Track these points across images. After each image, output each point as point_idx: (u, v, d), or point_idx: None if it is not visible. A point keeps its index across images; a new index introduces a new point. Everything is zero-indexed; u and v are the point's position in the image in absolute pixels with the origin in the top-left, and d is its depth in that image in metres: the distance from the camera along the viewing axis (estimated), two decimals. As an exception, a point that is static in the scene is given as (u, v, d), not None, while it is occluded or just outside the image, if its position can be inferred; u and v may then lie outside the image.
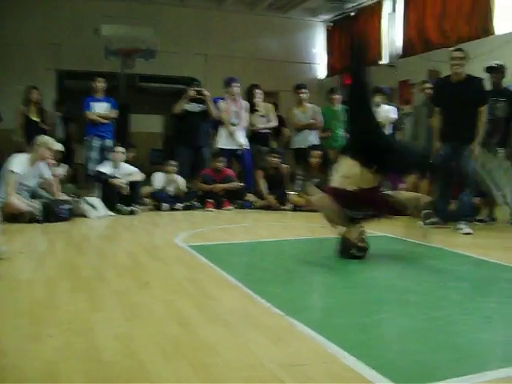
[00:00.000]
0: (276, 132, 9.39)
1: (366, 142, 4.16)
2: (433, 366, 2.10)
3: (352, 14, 14.51)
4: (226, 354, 2.21)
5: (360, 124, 4.29)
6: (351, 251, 4.09)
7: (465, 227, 5.75)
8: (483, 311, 2.88)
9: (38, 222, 6.03)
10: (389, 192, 4.47)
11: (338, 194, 4.04)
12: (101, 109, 8.47)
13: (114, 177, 7.37)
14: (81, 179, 10.02)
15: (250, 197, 8.15)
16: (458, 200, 6.05)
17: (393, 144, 4.97)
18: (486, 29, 10.77)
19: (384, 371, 2.02)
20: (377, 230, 5.43)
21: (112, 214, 6.93)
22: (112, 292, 3.14)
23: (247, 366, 2.10)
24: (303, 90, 8.82)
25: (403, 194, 4.55)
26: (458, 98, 5.79)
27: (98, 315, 2.70)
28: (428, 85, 8.10)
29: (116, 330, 2.47)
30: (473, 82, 5.86)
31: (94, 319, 2.63)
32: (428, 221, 5.99)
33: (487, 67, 6.56)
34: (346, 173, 4.11)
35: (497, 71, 6.45)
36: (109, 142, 8.35)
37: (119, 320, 2.63)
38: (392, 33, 13.34)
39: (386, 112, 8.63)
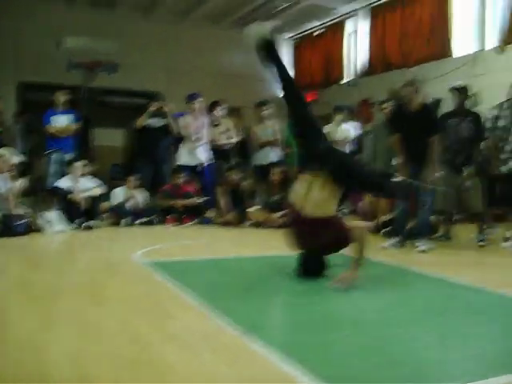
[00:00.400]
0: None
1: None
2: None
3: (316, 32, 14.71)
4: (183, 374, 2.19)
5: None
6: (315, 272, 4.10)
7: (422, 245, 5.84)
8: (437, 329, 2.91)
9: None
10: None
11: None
12: (62, 122, 8.39)
13: (73, 191, 7.28)
14: (40, 193, 9.86)
15: (211, 213, 8.14)
16: (417, 218, 6.14)
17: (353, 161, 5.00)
18: (444, 51, 11.03)
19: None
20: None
21: (70, 228, 6.84)
22: (66, 309, 3.09)
23: (203, 386, 2.09)
24: (264, 107, 8.87)
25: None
26: (413, 127, 5.93)
27: (51, 334, 2.65)
28: (387, 104, 8.24)
29: (68, 350, 2.43)
30: (426, 111, 5.98)
31: (47, 338, 2.58)
32: (392, 241, 6.08)
33: (451, 88, 6.66)
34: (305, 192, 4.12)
35: (461, 92, 6.55)
36: (69, 156, 8.25)
37: (72, 339, 2.59)
38: (354, 52, 13.56)
39: (346, 131, 8.73)
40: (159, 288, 3.75)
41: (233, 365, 2.32)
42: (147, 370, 2.22)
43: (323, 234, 3.91)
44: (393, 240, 6.09)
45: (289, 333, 2.82)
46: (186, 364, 2.31)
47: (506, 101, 6.70)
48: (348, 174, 4.19)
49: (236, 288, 3.85)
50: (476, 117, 6.57)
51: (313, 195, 4.01)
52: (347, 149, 8.81)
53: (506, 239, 6.54)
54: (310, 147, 4.24)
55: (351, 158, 5.33)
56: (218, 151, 8.78)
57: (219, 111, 8.79)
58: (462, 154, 6.47)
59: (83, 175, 7.68)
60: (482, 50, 10.42)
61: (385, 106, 8.30)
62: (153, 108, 8.45)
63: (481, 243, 6.42)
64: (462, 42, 10.87)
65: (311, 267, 4.08)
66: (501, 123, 6.56)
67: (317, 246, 4.03)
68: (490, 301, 3.69)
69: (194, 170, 8.51)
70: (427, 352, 2.55)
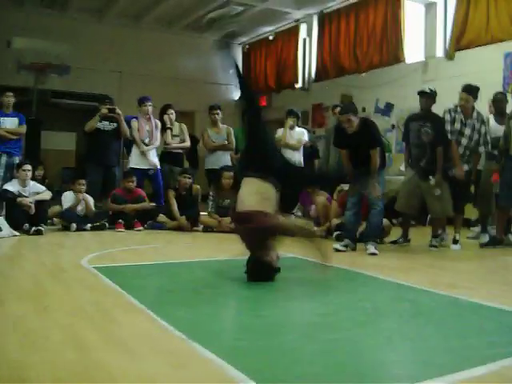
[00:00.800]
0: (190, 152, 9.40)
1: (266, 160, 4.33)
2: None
3: (270, 37, 14.77)
4: (124, 380, 2.15)
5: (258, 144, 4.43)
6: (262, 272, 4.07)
7: (371, 247, 5.90)
8: (383, 332, 2.93)
9: None
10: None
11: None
12: (10, 124, 8.18)
13: (21, 195, 7.13)
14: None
15: (162, 217, 8.05)
16: (367, 221, 6.20)
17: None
18: (396, 57, 11.22)
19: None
20: (286, 252, 5.48)
21: (17, 234, 6.68)
22: (8, 317, 3.00)
23: (145, 393, 2.05)
24: (217, 111, 8.84)
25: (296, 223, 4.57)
26: (354, 145, 6.04)
27: (-9, 342, 2.57)
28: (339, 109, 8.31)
29: (8, 358, 2.35)
30: (365, 129, 5.98)
31: (-14, 346, 2.51)
32: (342, 243, 6.12)
33: (419, 91, 6.66)
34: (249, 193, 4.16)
35: (428, 96, 6.54)
36: (17, 159, 8.06)
37: (13, 347, 2.50)
38: (307, 57, 13.66)
39: (299, 134, 8.77)
40: (106, 293, 3.68)
41: (177, 368, 2.28)
42: (88, 376, 2.17)
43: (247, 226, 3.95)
44: (343, 243, 6.13)
45: (235, 338, 2.80)
46: (129, 368, 2.27)
47: (460, 105, 6.83)
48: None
49: (184, 293, 3.81)
50: (438, 121, 6.58)
51: (256, 194, 4.11)
52: (301, 152, 8.87)
53: (456, 241, 6.67)
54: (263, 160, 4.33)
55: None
56: (169, 155, 8.72)
57: (171, 114, 8.73)
58: (423, 158, 6.51)
59: (32, 179, 7.51)
60: (433, 56, 10.62)
61: (338, 109, 8.37)
62: (105, 111, 8.32)
63: (433, 248, 6.51)
64: (414, 48, 11.08)
65: (259, 271, 4.07)
66: (456, 126, 6.68)
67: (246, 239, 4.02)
68: (437, 302, 3.73)
69: (145, 174, 8.44)
70: (374, 354, 2.56)
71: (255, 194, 4.12)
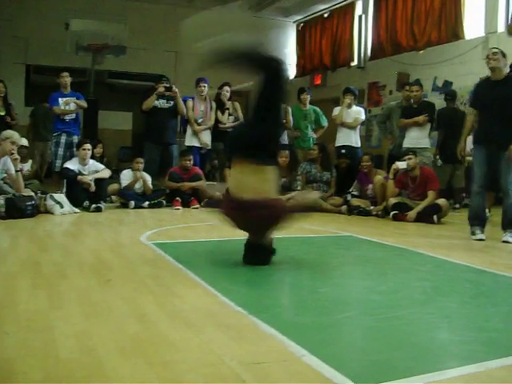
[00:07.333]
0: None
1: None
2: (391, 365, 2.12)
3: (325, 15, 14.61)
4: (186, 351, 2.19)
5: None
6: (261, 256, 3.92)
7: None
8: (443, 311, 2.90)
9: (1, 218, 5.92)
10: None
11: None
12: (71, 104, 8.37)
13: (81, 173, 7.29)
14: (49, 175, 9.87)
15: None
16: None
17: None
18: (455, 33, 10.92)
19: (343, 370, 2.02)
20: (342, 230, 5.46)
21: (77, 210, 6.84)
22: (73, 289, 3.09)
23: (207, 363, 2.08)
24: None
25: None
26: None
27: (58, 313, 2.65)
28: (408, 87, 8.31)
29: (75, 328, 2.44)
30: None
31: (53, 317, 2.58)
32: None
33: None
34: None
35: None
36: (76, 138, 8.25)
37: (78, 318, 2.59)
38: (363, 35, 13.43)
39: (357, 113, 8.70)
40: (166, 268, 3.75)
41: (238, 342, 2.32)
42: (151, 346, 2.23)
43: (261, 214, 3.71)
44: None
45: (294, 314, 2.82)
46: (192, 340, 2.32)
47: None
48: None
49: (242, 269, 3.83)
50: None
51: (247, 181, 3.81)
52: (357, 131, 8.81)
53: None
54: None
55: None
56: (224, 134, 8.75)
57: (226, 92, 8.75)
58: None
59: (91, 157, 7.68)
60: (495, 32, 10.30)
61: (407, 88, 8.40)
62: (161, 89, 8.40)
63: None
64: (474, 24, 10.76)
65: (257, 254, 3.92)
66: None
67: (255, 227, 3.86)
68: (498, 283, 3.68)
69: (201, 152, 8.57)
70: (434, 333, 2.54)
71: (260, 181, 3.82)
